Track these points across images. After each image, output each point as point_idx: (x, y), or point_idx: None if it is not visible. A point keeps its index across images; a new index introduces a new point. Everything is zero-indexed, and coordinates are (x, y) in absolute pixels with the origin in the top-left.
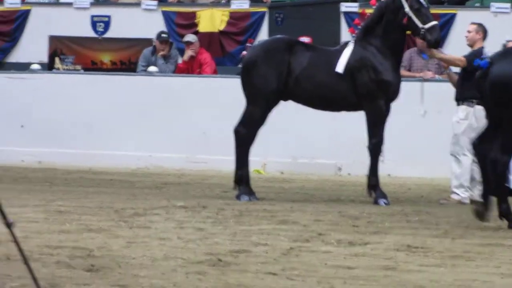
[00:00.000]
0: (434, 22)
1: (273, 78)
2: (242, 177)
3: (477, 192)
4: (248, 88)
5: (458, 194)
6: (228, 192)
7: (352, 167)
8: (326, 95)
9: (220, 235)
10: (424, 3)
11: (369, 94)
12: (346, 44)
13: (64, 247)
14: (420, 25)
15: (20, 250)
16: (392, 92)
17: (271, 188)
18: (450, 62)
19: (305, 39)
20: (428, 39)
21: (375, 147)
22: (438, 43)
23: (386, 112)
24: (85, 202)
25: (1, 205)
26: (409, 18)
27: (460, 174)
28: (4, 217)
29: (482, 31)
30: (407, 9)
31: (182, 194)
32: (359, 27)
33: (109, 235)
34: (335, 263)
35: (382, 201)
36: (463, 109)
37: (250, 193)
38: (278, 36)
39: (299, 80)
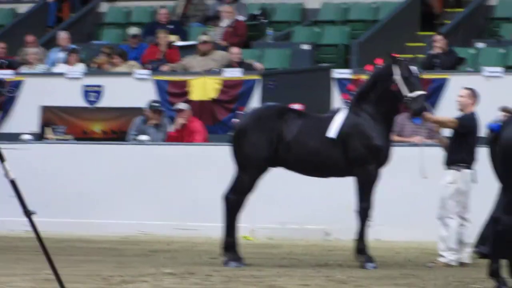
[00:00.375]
0: (420, 92)
1: (263, 146)
2: (230, 243)
3: (465, 255)
4: (238, 156)
5: (445, 257)
6: (216, 258)
7: (341, 232)
8: (317, 162)
9: None
10: (415, 72)
11: (360, 159)
12: (337, 110)
13: None
14: (406, 93)
15: None
16: (383, 158)
17: (259, 254)
18: (442, 124)
19: (296, 106)
20: (412, 108)
21: (364, 212)
22: (421, 113)
23: (376, 177)
24: (73, 270)
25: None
26: (397, 86)
27: (447, 237)
28: None
29: (474, 96)
30: (397, 76)
31: (170, 261)
32: (353, 93)
33: None
34: None
35: (369, 265)
36: (451, 173)
37: (238, 259)
38: (270, 103)
39: (290, 147)
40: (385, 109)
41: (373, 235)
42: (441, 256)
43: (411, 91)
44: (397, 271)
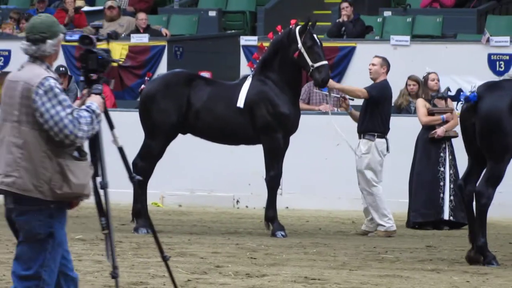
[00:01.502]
0: (324, 62)
1: (172, 112)
2: (140, 210)
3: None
4: (146, 122)
5: (383, 225)
6: (126, 225)
7: (250, 200)
8: (225, 129)
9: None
10: (318, 41)
11: (267, 128)
12: (245, 78)
13: None
14: (310, 62)
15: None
16: (290, 126)
17: (169, 221)
18: (351, 93)
19: (205, 74)
20: (315, 77)
21: (273, 180)
22: (325, 83)
23: (284, 145)
24: None
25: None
26: (300, 54)
27: (377, 206)
28: (162, 251)
29: (386, 65)
30: (299, 44)
31: (80, 227)
32: (258, 61)
33: (8, 267)
34: None
35: (279, 233)
36: (365, 142)
37: (148, 226)
38: (177, 70)
39: (199, 114)
40: (289, 77)
41: (282, 203)
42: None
43: (315, 60)
44: (308, 240)
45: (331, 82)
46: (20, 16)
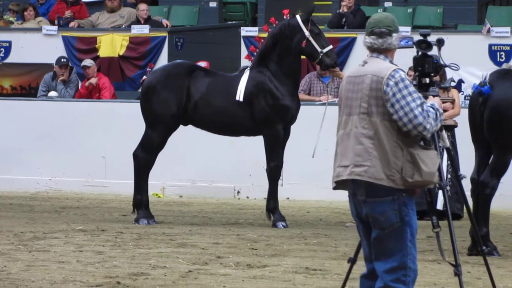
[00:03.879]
0: (331, 46)
1: (172, 103)
2: (141, 201)
3: None
4: (147, 113)
5: None
6: (127, 215)
7: (251, 191)
8: (225, 121)
9: (119, 258)
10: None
11: (266, 119)
12: (244, 69)
13: None
14: (318, 49)
15: None
16: (290, 117)
17: (170, 212)
18: None
19: (202, 64)
20: (326, 62)
21: (273, 171)
22: (335, 66)
23: (285, 136)
24: None
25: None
26: (309, 42)
27: None
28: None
29: None
30: (306, 33)
31: (81, 218)
32: (255, 53)
33: (9, 258)
34: (233, 286)
35: (280, 224)
36: None
37: (149, 216)
38: (178, 61)
39: (198, 106)
40: (288, 68)
41: (283, 194)
42: None
43: (322, 47)
44: (309, 230)
45: (336, 70)
46: (20, 8)
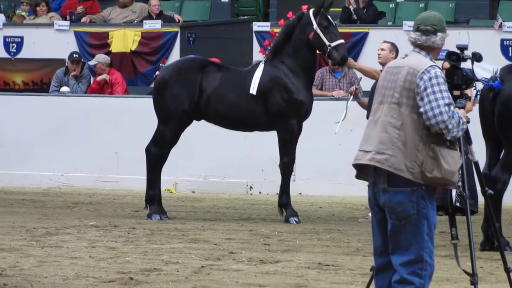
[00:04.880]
0: (341, 40)
1: (185, 98)
2: (153, 197)
3: None
4: (160, 108)
5: None
6: (139, 211)
7: (263, 186)
8: (238, 116)
9: (131, 254)
10: (332, 22)
11: (281, 114)
12: (257, 64)
13: None
14: (327, 42)
15: None
16: (304, 111)
17: (182, 207)
18: (366, 72)
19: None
20: (334, 56)
21: (286, 166)
22: (345, 60)
23: (298, 131)
24: None
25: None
26: (316, 35)
27: None
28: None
29: (395, 50)
30: (315, 26)
31: (93, 214)
32: (269, 48)
33: (21, 254)
34: (246, 281)
35: (293, 219)
36: None
37: (162, 212)
38: (191, 56)
39: (211, 100)
40: (303, 62)
41: (296, 189)
42: None
43: (331, 40)
44: (321, 226)
45: (350, 61)
46: (33, 2)
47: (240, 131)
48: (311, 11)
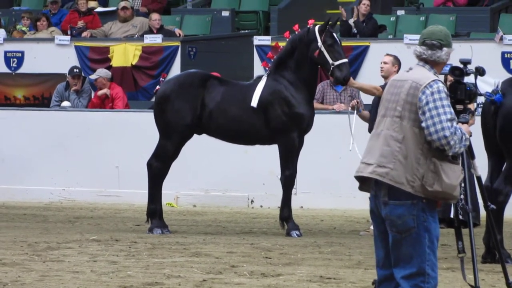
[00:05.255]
0: (344, 60)
1: (186, 112)
2: (155, 210)
3: None
4: (161, 122)
5: None
6: (141, 225)
7: (264, 199)
8: (240, 129)
9: (133, 268)
10: (338, 40)
11: (282, 127)
12: (259, 78)
13: None
14: (330, 61)
15: None
16: (305, 125)
17: (183, 221)
18: (366, 91)
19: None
20: (336, 75)
21: (288, 179)
22: (346, 81)
23: (299, 144)
24: None
25: None
26: (321, 53)
27: None
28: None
29: (398, 63)
30: (319, 43)
31: (95, 228)
32: (272, 60)
33: (23, 268)
34: None
35: (294, 233)
36: None
37: (163, 226)
38: (192, 70)
39: (213, 115)
40: (305, 76)
41: (297, 202)
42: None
43: (335, 59)
44: (322, 239)
45: (351, 80)
46: (33, 17)
47: (242, 144)
48: (316, 28)
